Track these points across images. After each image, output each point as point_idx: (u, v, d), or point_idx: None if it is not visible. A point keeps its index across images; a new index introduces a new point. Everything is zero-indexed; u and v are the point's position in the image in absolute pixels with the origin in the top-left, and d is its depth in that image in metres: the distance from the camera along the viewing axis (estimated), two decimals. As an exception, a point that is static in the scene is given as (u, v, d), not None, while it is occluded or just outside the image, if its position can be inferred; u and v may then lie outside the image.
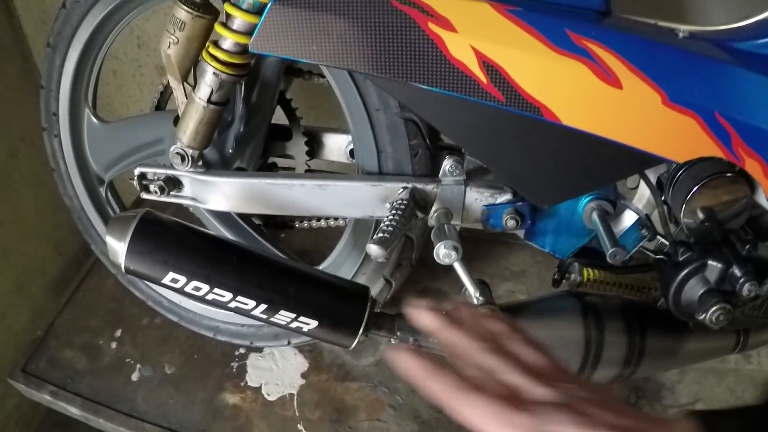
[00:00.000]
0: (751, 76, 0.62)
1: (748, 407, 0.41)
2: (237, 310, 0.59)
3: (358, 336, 0.61)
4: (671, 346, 0.78)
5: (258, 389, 0.92)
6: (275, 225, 0.93)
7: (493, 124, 0.64)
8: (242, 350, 0.96)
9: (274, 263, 0.61)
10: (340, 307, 0.61)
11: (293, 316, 0.59)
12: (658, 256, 0.75)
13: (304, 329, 0.61)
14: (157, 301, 0.96)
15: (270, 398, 0.91)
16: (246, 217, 0.89)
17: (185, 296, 0.60)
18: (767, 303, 0.73)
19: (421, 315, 0.47)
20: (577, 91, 0.61)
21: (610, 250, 0.68)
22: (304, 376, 0.93)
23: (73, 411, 0.93)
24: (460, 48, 0.60)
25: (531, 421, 0.36)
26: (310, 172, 0.86)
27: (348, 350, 0.94)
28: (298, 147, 0.85)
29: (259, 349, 0.96)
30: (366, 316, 0.61)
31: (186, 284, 0.58)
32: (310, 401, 0.90)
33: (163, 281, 0.58)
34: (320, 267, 0.85)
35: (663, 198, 0.73)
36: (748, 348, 0.81)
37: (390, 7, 0.60)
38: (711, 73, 0.62)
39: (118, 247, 0.57)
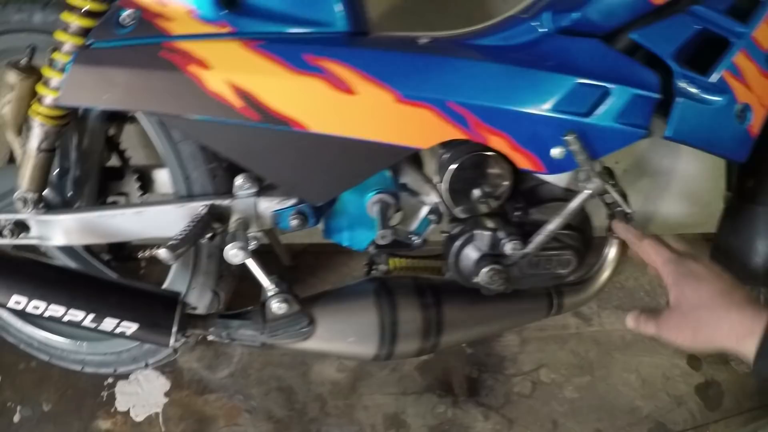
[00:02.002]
0: (483, 65, 0.72)
1: None
2: (71, 324, 0.70)
3: (173, 334, 0.73)
4: (471, 314, 0.85)
5: (127, 413, 0.99)
6: (122, 258, 1.03)
7: (256, 139, 0.75)
8: (110, 380, 1.03)
9: (97, 280, 0.74)
10: (154, 311, 0.73)
11: (117, 321, 0.71)
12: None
13: (127, 333, 0.72)
14: (28, 343, 1.03)
15: (138, 419, 0.98)
16: (95, 255, 0.98)
17: (28, 318, 0.71)
18: (544, 260, 0.80)
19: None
20: (316, 102, 0.73)
21: (379, 232, 0.78)
22: (167, 394, 1.00)
23: (-42, 459, 0.99)
24: (215, 82, 0.72)
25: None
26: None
27: (201, 363, 1.05)
28: (130, 185, 0.95)
29: (125, 376, 1.03)
30: (177, 317, 0.73)
31: (27, 305, 0.69)
32: (174, 416, 0.97)
33: (8, 305, 0.69)
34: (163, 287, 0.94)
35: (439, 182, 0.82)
36: (566, 309, 0.86)
37: (157, 58, 0.72)
38: (441, 69, 0.72)
39: None
